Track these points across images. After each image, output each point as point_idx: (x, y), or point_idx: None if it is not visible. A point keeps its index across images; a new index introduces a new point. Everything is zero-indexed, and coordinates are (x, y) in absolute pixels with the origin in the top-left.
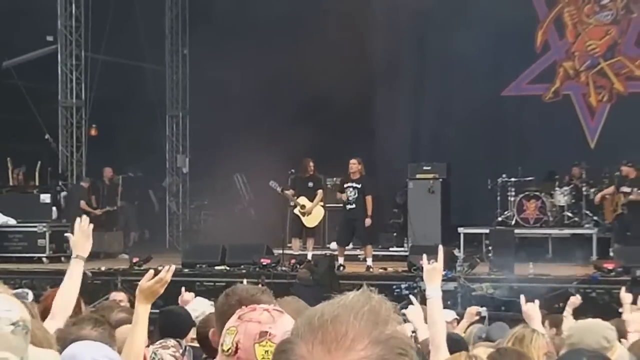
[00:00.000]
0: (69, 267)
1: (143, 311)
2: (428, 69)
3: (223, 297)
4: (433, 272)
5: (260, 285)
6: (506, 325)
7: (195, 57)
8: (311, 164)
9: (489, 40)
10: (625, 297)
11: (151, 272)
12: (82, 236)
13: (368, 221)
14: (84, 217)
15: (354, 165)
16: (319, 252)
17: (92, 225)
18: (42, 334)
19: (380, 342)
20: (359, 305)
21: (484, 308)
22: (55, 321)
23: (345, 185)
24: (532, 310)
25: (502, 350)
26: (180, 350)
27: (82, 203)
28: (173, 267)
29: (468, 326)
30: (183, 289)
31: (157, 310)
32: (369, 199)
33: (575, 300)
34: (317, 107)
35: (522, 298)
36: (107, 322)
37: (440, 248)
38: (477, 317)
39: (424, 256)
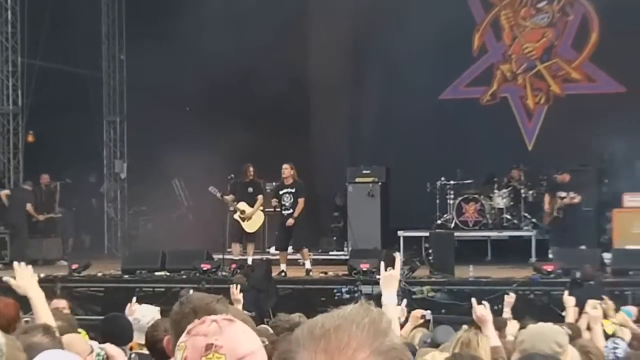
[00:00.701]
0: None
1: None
2: (366, 73)
3: (177, 306)
4: (390, 279)
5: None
6: (451, 328)
7: (132, 63)
8: (251, 169)
9: (426, 44)
10: (568, 300)
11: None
12: (25, 279)
13: (290, 221)
14: (22, 263)
15: (286, 170)
16: (259, 257)
17: (29, 267)
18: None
19: (382, 352)
20: (360, 317)
21: (429, 311)
22: None
23: (281, 192)
24: (484, 312)
25: (458, 356)
26: (125, 358)
27: (29, 206)
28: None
29: (412, 329)
30: (134, 298)
31: (98, 317)
32: (300, 201)
33: (510, 299)
34: (256, 112)
35: (474, 301)
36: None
37: (398, 255)
38: (422, 320)
39: (382, 263)
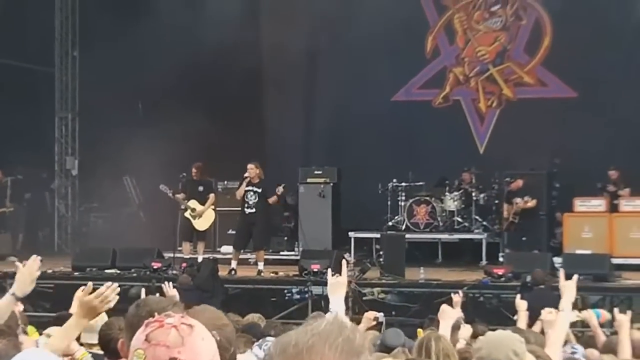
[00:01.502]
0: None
1: (80, 325)
2: (320, 73)
3: (134, 308)
4: (337, 285)
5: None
6: (400, 330)
7: (85, 59)
8: (201, 167)
9: (380, 45)
10: (520, 304)
11: (90, 285)
12: (28, 277)
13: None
14: (36, 257)
15: (252, 170)
16: (208, 256)
17: (38, 272)
18: None
19: None
20: (333, 336)
21: (382, 313)
22: None
23: (246, 189)
24: (446, 309)
25: None
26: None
27: None
28: (116, 285)
29: (364, 331)
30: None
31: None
32: (270, 200)
33: (457, 298)
34: (209, 110)
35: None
36: (13, 333)
37: (344, 263)
38: (375, 323)
39: (329, 270)
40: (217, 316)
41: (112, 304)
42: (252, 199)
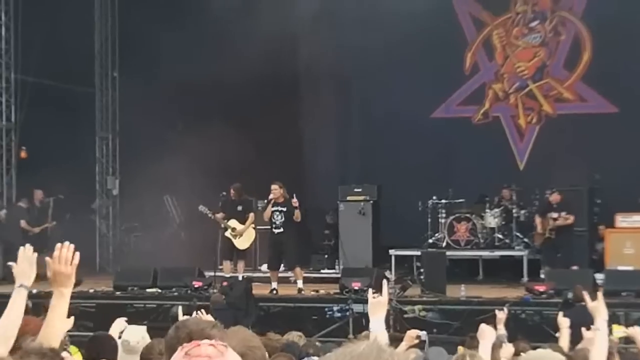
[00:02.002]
0: (12, 296)
1: (59, 295)
2: (359, 91)
3: (173, 331)
4: (378, 305)
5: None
6: (444, 350)
7: (125, 80)
8: (238, 186)
9: (419, 62)
10: (563, 321)
11: (48, 259)
12: (26, 264)
13: (295, 201)
14: (27, 245)
15: (276, 190)
16: (250, 275)
17: (35, 253)
18: None
19: None
20: (372, 359)
21: (424, 332)
22: None
23: (272, 209)
24: (485, 328)
25: None
26: None
27: (23, 222)
28: (67, 243)
29: (406, 350)
30: (123, 319)
31: (90, 334)
32: (297, 213)
33: (501, 315)
34: (248, 130)
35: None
36: (55, 354)
37: (385, 282)
38: (417, 341)
39: (370, 290)
40: (249, 338)
41: (77, 261)
42: (278, 218)
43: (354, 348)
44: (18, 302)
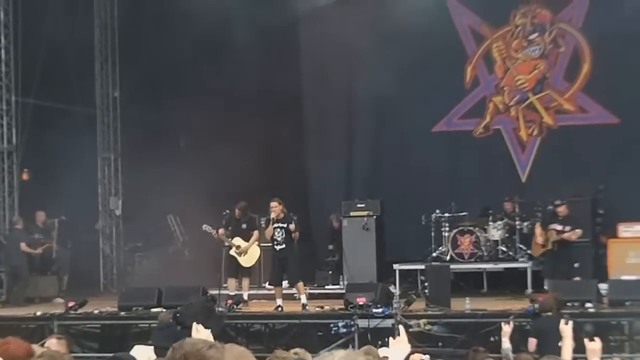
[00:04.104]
0: None
1: None
2: (360, 106)
3: (170, 352)
4: (399, 344)
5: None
6: None
7: (126, 99)
8: (244, 205)
9: (419, 76)
10: (565, 329)
11: None
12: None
13: (292, 226)
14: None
15: (277, 207)
16: (255, 292)
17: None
18: None
19: None
20: None
21: (427, 356)
22: None
23: (274, 226)
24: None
25: None
26: None
27: (23, 245)
28: None
29: None
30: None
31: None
32: (292, 226)
33: (507, 328)
34: (251, 147)
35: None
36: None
37: (402, 329)
38: None
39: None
40: (243, 354)
41: None
42: (279, 235)
43: (330, 358)
44: None
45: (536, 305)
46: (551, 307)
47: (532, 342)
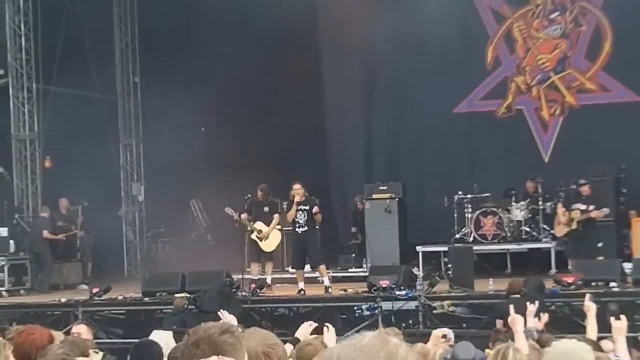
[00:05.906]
0: None
1: None
2: (381, 88)
3: (185, 337)
4: None
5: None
6: (471, 344)
7: (147, 85)
8: (265, 187)
9: (440, 58)
10: (590, 307)
11: None
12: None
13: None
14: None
15: (299, 189)
16: (277, 276)
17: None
18: None
19: None
20: (375, 350)
21: (450, 331)
22: None
23: (296, 209)
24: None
25: None
26: None
27: (45, 232)
28: None
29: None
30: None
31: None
32: (315, 209)
33: (532, 307)
34: (273, 132)
35: (511, 308)
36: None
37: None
38: (443, 340)
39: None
40: (268, 337)
41: None
42: (301, 217)
43: (359, 339)
44: None
45: (506, 290)
46: (520, 289)
47: (499, 324)
